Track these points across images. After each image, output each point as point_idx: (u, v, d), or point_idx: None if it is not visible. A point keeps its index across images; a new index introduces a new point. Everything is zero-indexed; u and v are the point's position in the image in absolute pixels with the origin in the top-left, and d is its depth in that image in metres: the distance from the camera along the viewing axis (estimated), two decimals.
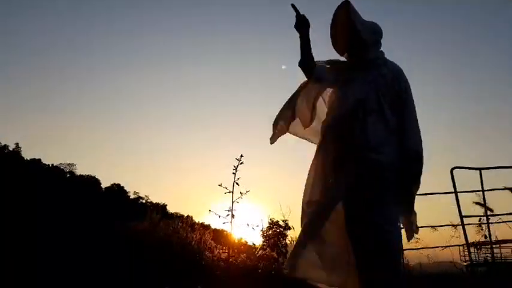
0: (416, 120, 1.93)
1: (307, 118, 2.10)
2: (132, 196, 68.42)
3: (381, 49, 2.04)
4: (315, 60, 2.04)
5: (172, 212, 70.96)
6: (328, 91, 2.13)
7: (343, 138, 1.92)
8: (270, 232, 11.54)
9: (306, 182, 2.02)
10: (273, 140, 2.14)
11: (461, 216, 3.59)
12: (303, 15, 1.97)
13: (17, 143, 54.73)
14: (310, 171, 2.03)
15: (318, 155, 2.03)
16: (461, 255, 6.92)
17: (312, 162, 2.04)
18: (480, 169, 3.71)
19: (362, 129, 1.87)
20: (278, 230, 11.43)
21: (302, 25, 1.98)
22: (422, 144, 1.90)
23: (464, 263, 5.46)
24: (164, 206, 71.55)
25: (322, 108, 2.16)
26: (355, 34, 1.92)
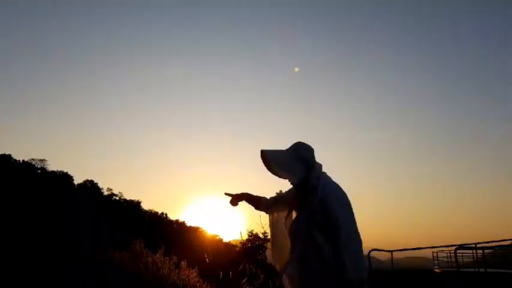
0: (353, 248, 1.85)
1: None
2: (105, 193, 67.10)
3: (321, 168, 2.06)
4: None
5: (147, 209, 70.73)
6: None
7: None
8: (249, 245, 11.89)
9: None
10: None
11: None
12: (236, 195, 2.34)
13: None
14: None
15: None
16: None
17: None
18: None
19: (299, 265, 1.96)
20: (258, 243, 11.80)
21: (237, 203, 2.37)
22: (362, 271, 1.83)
23: None
24: (138, 203, 70.97)
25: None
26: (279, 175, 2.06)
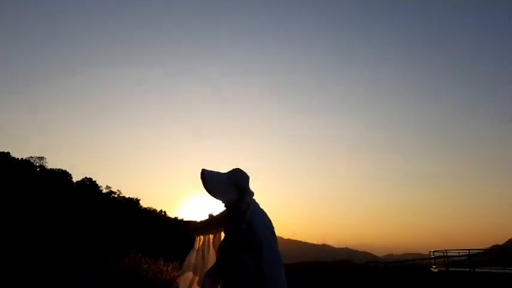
0: (276, 273, 2.02)
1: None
2: (104, 190, 67.11)
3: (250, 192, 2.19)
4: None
5: (146, 206, 70.84)
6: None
7: None
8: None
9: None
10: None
11: None
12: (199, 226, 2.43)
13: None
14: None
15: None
16: None
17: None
18: None
19: (231, 282, 2.07)
20: None
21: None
22: None
23: None
24: (137, 201, 71.06)
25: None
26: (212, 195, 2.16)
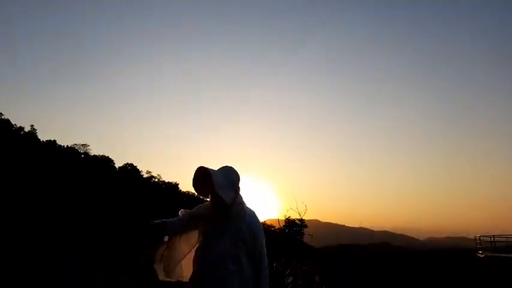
0: (264, 268, 2.17)
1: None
2: (145, 175, 69.26)
3: (241, 194, 2.25)
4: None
5: (184, 191, 72.40)
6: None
7: None
8: (286, 231, 12.01)
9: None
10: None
11: None
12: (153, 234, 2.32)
13: (32, 125, 55.49)
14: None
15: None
16: None
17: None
18: None
19: (223, 277, 2.08)
20: (295, 229, 11.91)
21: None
22: None
23: None
24: (176, 185, 72.84)
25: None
26: (216, 195, 2.15)
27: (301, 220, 10.40)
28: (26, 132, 53.01)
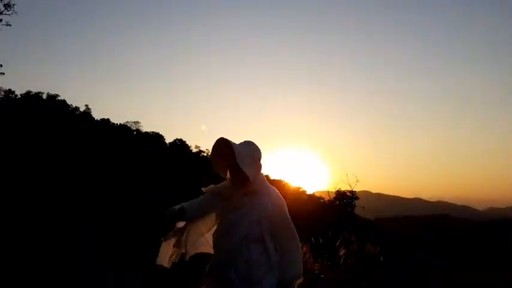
0: (296, 250, 1.97)
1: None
2: (194, 150, 71.18)
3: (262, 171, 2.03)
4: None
5: None
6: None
7: (224, 269, 1.91)
8: (337, 203, 11.46)
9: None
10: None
11: None
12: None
13: (86, 105, 58.32)
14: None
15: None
16: None
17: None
18: None
19: (246, 263, 1.87)
20: (345, 200, 11.40)
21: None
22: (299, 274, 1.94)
23: None
24: None
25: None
26: (237, 168, 1.89)
27: (352, 192, 9.99)
28: (81, 111, 55.82)
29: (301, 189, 55.39)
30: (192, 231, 2.20)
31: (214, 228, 2.15)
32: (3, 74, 19.92)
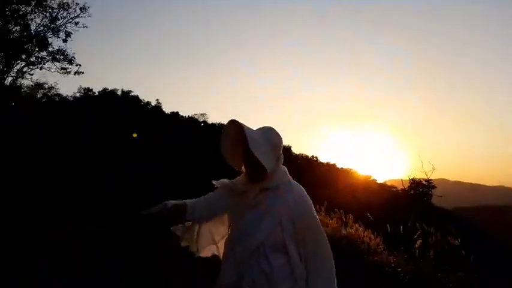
0: (328, 261, 1.57)
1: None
2: None
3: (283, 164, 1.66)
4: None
5: (297, 153, 73.62)
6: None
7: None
8: (412, 192, 10.88)
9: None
10: None
11: None
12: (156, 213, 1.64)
13: (157, 99, 61.67)
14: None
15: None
16: None
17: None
18: None
19: (265, 276, 1.50)
20: (421, 190, 10.76)
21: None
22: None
23: None
24: (289, 149, 74.15)
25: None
26: (251, 157, 1.53)
27: (428, 180, 9.42)
28: (152, 106, 59.03)
29: (371, 178, 53.61)
30: (202, 235, 1.83)
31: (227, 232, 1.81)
32: (83, 73, 21.43)
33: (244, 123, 1.58)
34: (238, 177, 1.76)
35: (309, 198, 1.64)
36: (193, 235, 1.81)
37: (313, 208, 1.64)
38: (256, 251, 1.53)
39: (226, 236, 1.78)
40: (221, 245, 1.81)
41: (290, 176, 1.68)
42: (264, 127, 1.64)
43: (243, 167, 1.72)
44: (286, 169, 1.69)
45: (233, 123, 1.60)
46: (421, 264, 5.32)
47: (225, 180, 1.76)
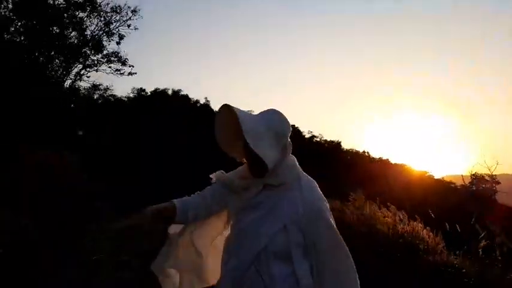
0: (343, 274, 1.28)
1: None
2: (306, 135, 71.25)
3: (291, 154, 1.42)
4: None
5: (348, 148, 72.04)
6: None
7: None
8: (473, 189, 10.28)
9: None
10: None
11: None
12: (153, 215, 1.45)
13: (205, 97, 63.03)
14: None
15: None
16: None
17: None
18: None
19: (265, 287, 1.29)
20: (483, 186, 10.15)
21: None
22: None
23: None
24: (338, 144, 72.71)
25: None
26: (251, 152, 1.29)
27: (492, 176, 8.86)
28: (201, 104, 60.48)
29: (427, 174, 51.15)
30: (192, 242, 1.58)
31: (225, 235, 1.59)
32: (136, 73, 22.37)
33: (238, 108, 1.34)
34: (240, 168, 1.54)
35: (323, 198, 1.38)
36: (178, 248, 1.59)
37: (329, 212, 1.35)
38: (255, 258, 1.31)
39: (226, 235, 1.58)
40: (219, 241, 1.61)
41: (300, 169, 1.43)
42: (268, 110, 1.40)
43: (244, 159, 1.50)
44: (296, 160, 1.45)
45: (227, 108, 1.37)
46: (487, 266, 5.01)
47: (222, 173, 1.55)
